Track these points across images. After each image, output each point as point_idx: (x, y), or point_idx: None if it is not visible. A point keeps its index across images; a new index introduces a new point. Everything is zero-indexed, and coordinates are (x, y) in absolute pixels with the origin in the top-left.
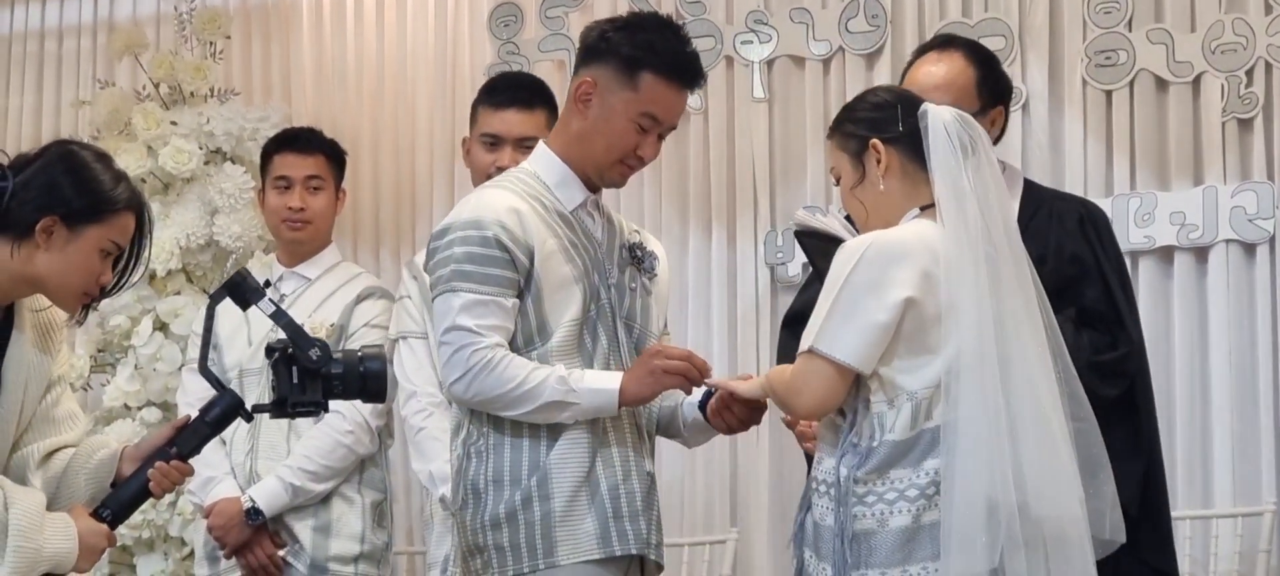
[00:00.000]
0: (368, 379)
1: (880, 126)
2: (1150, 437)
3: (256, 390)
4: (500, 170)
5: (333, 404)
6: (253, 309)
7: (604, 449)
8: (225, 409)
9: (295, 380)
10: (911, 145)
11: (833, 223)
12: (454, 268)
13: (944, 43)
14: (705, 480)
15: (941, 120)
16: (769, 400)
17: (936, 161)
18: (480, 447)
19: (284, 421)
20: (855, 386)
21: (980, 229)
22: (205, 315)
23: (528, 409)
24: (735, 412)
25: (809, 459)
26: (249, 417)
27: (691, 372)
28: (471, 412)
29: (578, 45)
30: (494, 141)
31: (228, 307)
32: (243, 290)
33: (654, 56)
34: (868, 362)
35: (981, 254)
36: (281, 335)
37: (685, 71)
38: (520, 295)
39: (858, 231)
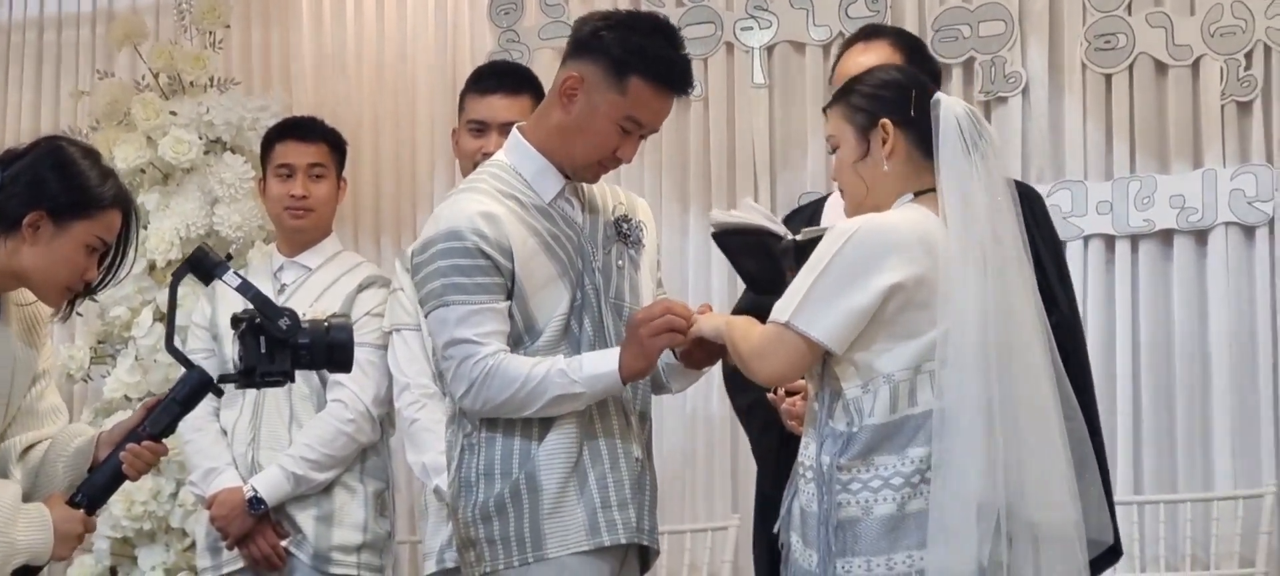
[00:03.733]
0: (334, 349)
1: (892, 107)
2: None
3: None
4: (486, 156)
5: (335, 393)
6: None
7: (591, 439)
8: (194, 386)
9: (263, 350)
10: (919, 131)
11: (751, 214)
12: (442, 282)
13: (870, 33)
14: (706, 467)
15: (954, 113)
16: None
17: (945, 154)
18: (473, 441)
19: (286, 411)
20: (824, 371)
21: (986, 222)
22: (169, 294)
23: (537, 406)
24: (703, 349)
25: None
26: (219, 392)
27: (678, 324)
28: (460, 410)
29: (571, 35)
30: (480, 127)
31: (228, 296)
32: (205, 265)
33: (644, 61)
34: (841, 343)
35: (987, 247)
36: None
37: (675, 78)
38: (508, 296)
39: (846, 212)
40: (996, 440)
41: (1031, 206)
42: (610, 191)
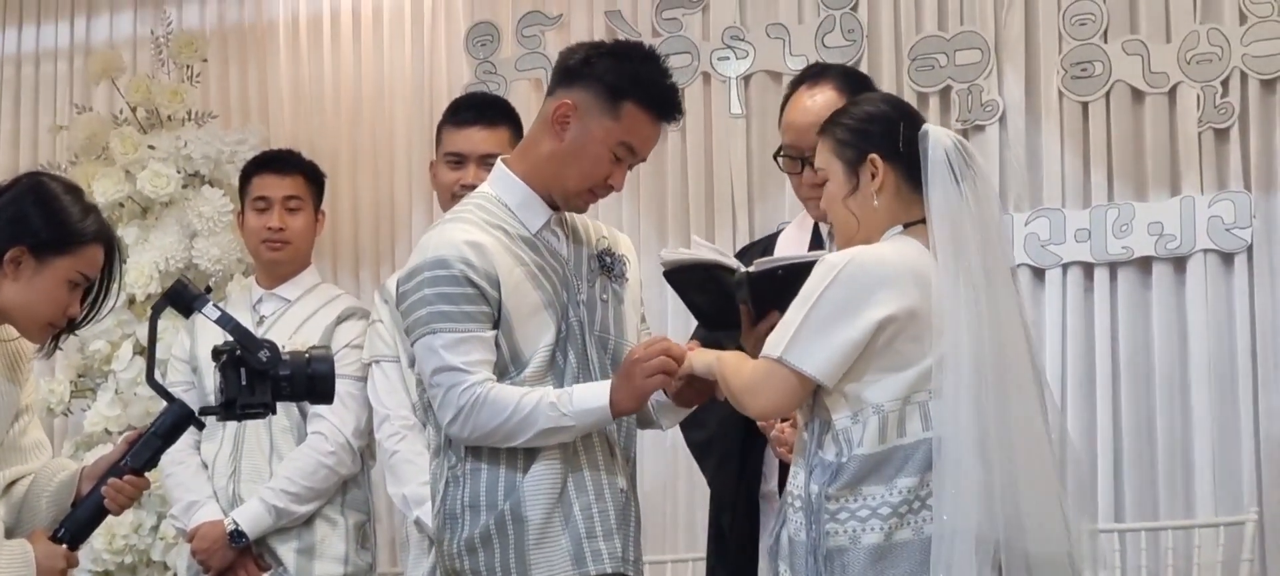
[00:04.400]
0: (315, 380)
1: (880, 141)
2: None
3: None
4: (465, 188)
5: (315, 426)
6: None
7: (576, 471)
8: (175, 419)
9: (244, 382)
10: (908, 164)
11: (700, 250)
12: (429, 310)
13: (815, 73)
14: (687, 497)
15: (943, 146)
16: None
17: (934, 186)
18: (458, 472)
19: (266, 444)
20: (814, 401)
21: (976, 253)
22: (149, 327)
23: (526, 437)
24: (694, 387)
25: (783, 469)
26: (200, 425)
27: (670, 366)
28: (446, 441)
29: (556, 65)
30: (458, 160)
31: (208, 329)
32: (184, 297)
33: (638, 88)
34: (833, 378)
35: (978, 278)
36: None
37: (667, 105)
38: (494, 325)
39: (834, 244)
40: (993, 470)
41: None
42: (593, 225)
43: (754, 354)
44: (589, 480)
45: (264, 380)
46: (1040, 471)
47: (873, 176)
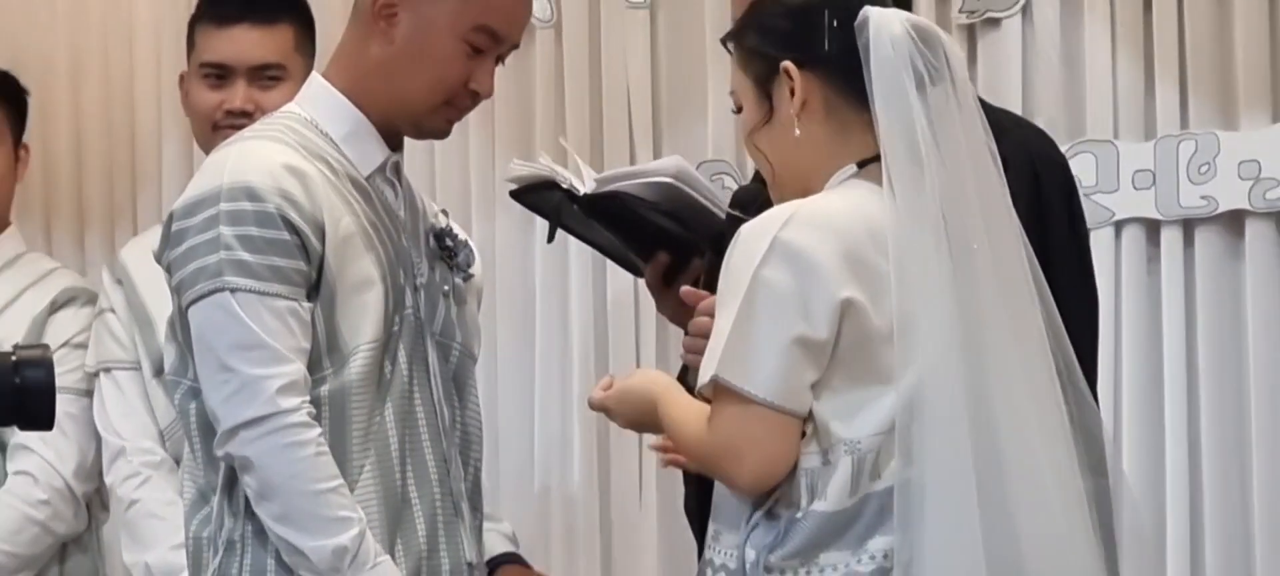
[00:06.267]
0: (27, 395)
1: (797, 42)
2: None
3: None
4: (231, 115)
5: (18, 463)
6: None
7: (408, 532)
8: None
9: None
10: (846, 71)
11: (542, 165)
12: (222, 256)
13: None
14: (568, 569)
15: (889, 33)
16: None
17: (881, 97)
18: (234, 535)
19: None
20: None
21: (947, 198)
22: None
23: (287, 533)
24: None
25: (700, 529)
26: None
27: None
28: (227, 480)
29: None
30: (220, 74)
31: None
32: None
33: None
34: (795, 397)
35: (946, 238)
36: None
37: None
38: (310, 294)
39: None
40: (995, 526)
41: (1042, 180)
42: (424, 199)
43: (676, 321)
44: (425, 544)
45: None
46: (1061, 528)
47: (791, 93)
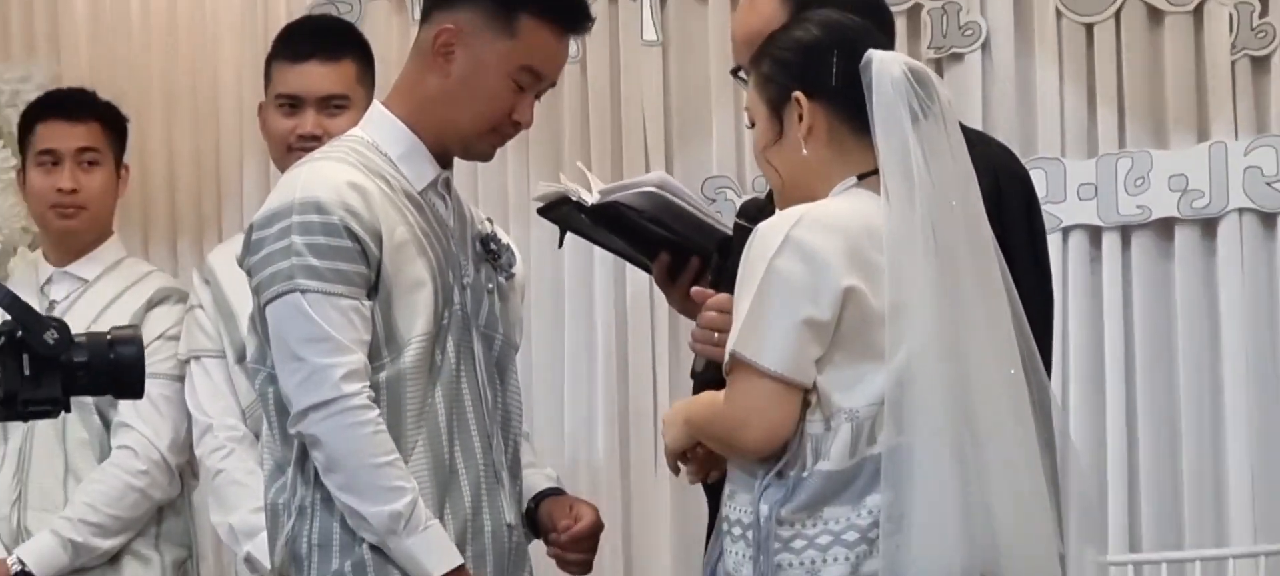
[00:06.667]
0: (121, 369)
1: (807, 76)
2: None
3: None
4: (303, 139)
5: (121, 438)
6: None
7: (455, 498)
8: None
9: (27, 371)
10: (848, 102)
11: (559, 184)
12: (294, 261)
13: None
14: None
15: (889, 74)
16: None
17: (882, 127)
18: (306, 501)
19: (59, 462)
20: None
21: (935, 211)
22: None
23: (351, 500)
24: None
25: (712, 494)
26: None
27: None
28: (299, 454)
29: None
30: (293, 103)
31: None
32: None
33: None
34: (801, 371)
35: (933, 243)
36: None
37: (572, 13)
38: (371, 294)
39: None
40: (970, 487)
41: (1004, 190)
42: (472, 207)
43: (685, 312)
44: (470, 510)
45: (53, 368)
46: (1025, 488)
47: (800, 119)
